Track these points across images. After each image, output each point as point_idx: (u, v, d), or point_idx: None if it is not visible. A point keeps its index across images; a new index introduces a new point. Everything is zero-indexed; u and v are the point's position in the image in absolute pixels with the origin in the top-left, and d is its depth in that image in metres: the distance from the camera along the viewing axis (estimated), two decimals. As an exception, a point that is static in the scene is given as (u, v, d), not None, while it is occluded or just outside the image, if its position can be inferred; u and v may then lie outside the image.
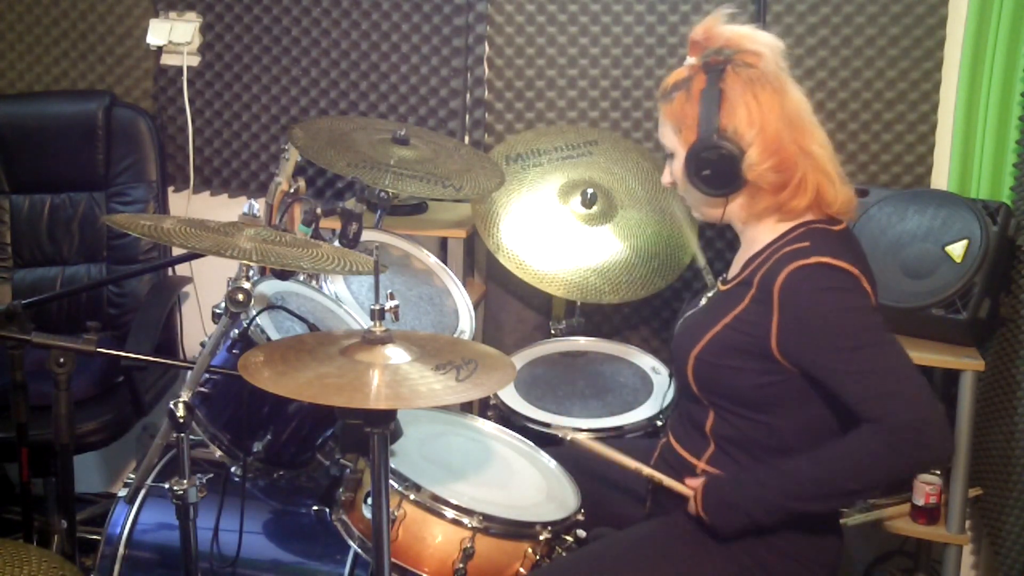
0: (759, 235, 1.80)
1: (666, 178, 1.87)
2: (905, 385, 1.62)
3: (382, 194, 2.38)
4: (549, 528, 1.79)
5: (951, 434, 1.63)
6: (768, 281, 1.69)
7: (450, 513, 1.75)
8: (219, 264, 2.69)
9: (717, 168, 1.74)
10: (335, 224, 2.12)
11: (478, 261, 3.08)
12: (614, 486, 1.99)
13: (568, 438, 1.98)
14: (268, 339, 1.88)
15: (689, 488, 1.79)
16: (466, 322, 2.42)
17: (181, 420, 1.69)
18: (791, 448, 1.74)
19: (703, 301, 1.90)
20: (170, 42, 3.07)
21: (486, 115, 2.97)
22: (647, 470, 1.85)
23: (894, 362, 1.64)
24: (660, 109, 1.83)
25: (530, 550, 1.78)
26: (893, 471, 1.66)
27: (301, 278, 2.19)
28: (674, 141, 1.81)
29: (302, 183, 2.14)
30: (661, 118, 1.83)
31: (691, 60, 1.80)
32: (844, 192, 1.76)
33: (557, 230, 2.65)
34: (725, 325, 1.75)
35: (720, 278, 1.90)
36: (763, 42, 1.75)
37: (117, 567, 2.00)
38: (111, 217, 1.76)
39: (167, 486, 1.73)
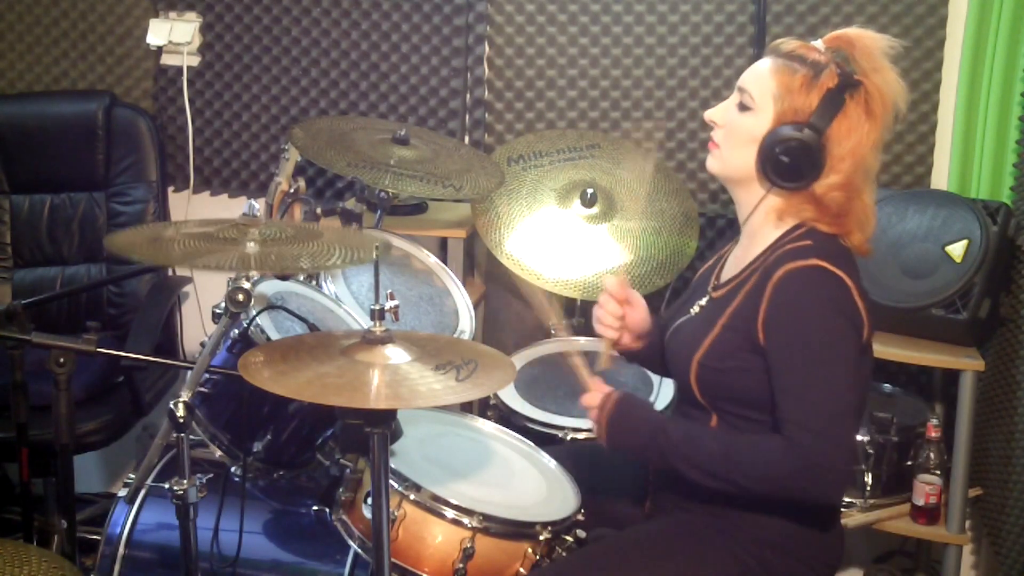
0: (763, 235, 1.78)
1: (716, 114, 1.79)
2: (828, 423, 1.61)
3: (382, 194, 2.38)
4: (549, 528, 1.79)
5: (844, 488, 1.70)
6: (765, 276, 1.69)
7: (450, 513, 1.75)
8: (219, 264, 2.69)
9: (794, 164, 1.69)
10: (335, 224, 2.12)
11: (478, 261, 3.08)
12: (614, 486, 1.99)
13: (568, 437, 1.97)
14: (268, 339, 1.88)
15: (598, 389, 1.80)
16: (466, 322, 2.42)
17: (181, 420, 1.69)
18: None
19: (695, 310, 1.88)
20: (170, 42, 3.07)
21: (486, 115, 2.97)
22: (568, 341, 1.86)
23: (838, 399, 1.63)
24: (771, 61, 1.73)
25: (530, 550, 1.78)
26: (782, 491, 1.66)
27: (301, 278, 2.19)
28: (767, 102, 1.72)
29: (302, 183, 2.14)
30: (767, 70, 1.72)
31: (821, 45, 1.73)
32: (862, 237, 1.74)
33: (557, 230, 2.65)
34: (723, 326, 1.74)
35: (711, 286, 1.88)
36: (900, 93, 1.70)
37: (117, 567, 2.00)
38: (111, 239, 1.76)
39: (167, 486, 1.72)
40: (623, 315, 1.93)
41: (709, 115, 1.81)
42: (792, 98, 1.70)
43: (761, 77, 1.73)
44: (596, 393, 1.81)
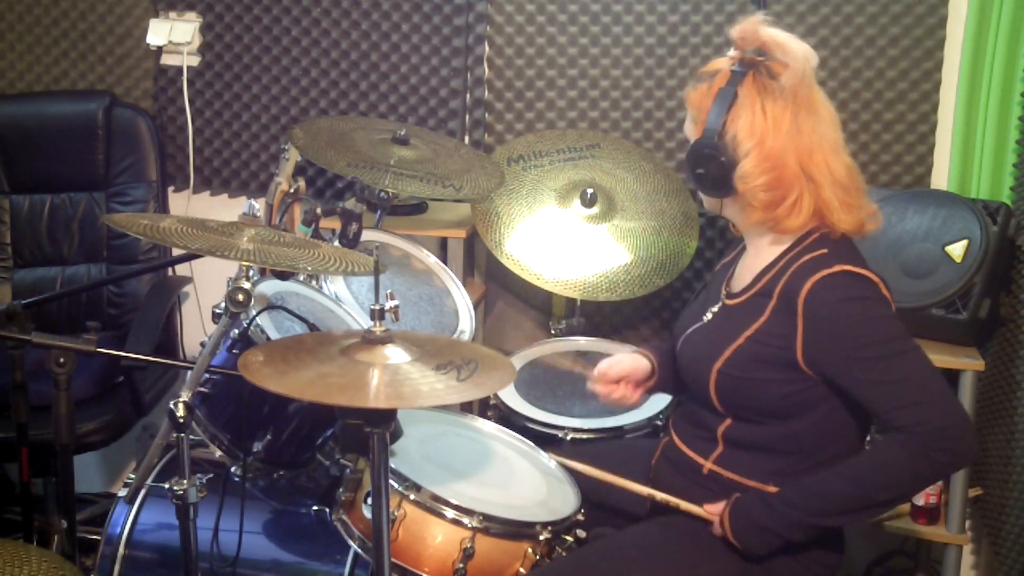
0: (767, 246, 1.79)
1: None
2: (932, 393, 1.63)
3: (382, 194, 2.38)
4: (549, 528, 1.79)
5: (977, 437, 1.67)
6: (791, 292, 1.69)
7: (450, 513, 1.75)
8: (219, 264, 2.69)
9: (710, 170, 1.74)
10: (335, 224, 2.12)
11: (478, 261, 3.08)
12: (614, 486, 1.99)
13: (568, 437, 1.97)
14: (268, 339, 1.88)
15: (710, 513, 1.77)
16: (466, 322, 2.42)
17: (181, 420, 1.69)
18: (806, 451, 1.74)
19: (708, 316, 1.88)
20: (170, 42, 3.07)
21: (486, 115, 2.97)
22: (660, 496, 1.82)
23: (920, 370, 1.65)
24: (686, 93, 1.81)
25: (530, 550, 1.78)
26: (924, 478, 1.69)
27: (301, 278, 2.19)
28: (690, 128, 1.81)
29: (302, 183, 2.14)
30: (686, 102, 1.82)
31: (732, 53, 1.77)
32: (849, 219, 1.73)
33: (557, 230, 2.65)
34: (748, 338, 1.74)
35: (724, 293, 1.88)
36: (793, 54, 1.70)
37: (117, 567, 2.00)
38: (110, 217, 1.76)
39: (167, 486, 1.73)
40: (628, 385, 2.00)
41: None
42: (699, 114, 1.77)
43: (687, 109, 1.82)
44: (715, 523, 1.76)
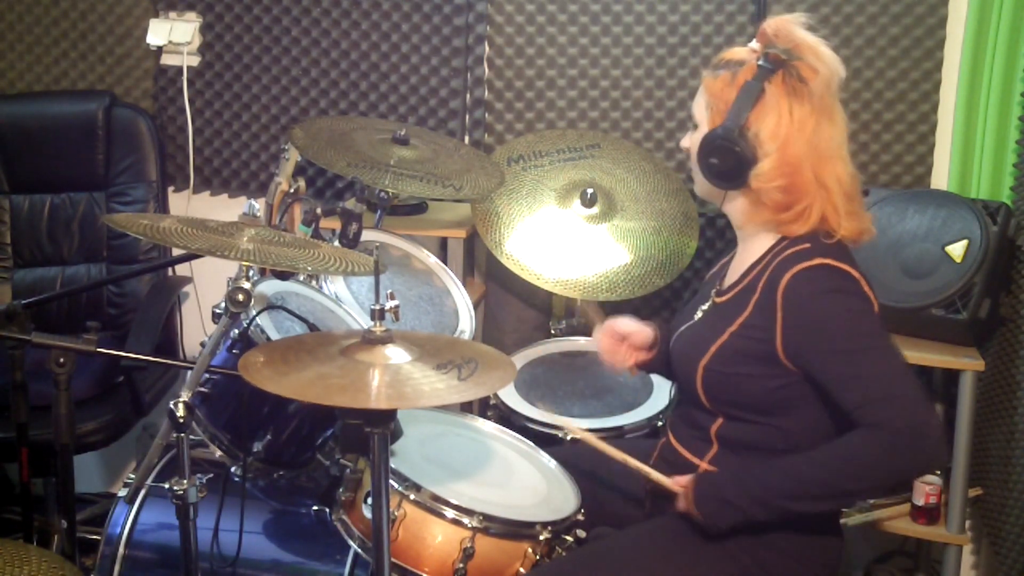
0: (757, 243, 1.80)
1: (684, 143, 1.86)
2: (903, 390, 1.62)
3: (382, 194, 2.38)
4: (549, 528, 1.79)
5: (946, 438, 1.64)
6: (772, 284, 1.70)
7: (450, 513, 1.75)
8: (219, 264, 2.69)
9: (725, 161, 1.73)
10: (335, 224, 2.12)
11: (478, 261, 3.08)
12: (614, 486, 1.99)
13: (568, 437, 1.96)
14: (268, 339, 1.88)
15: (678, 485, 1.77)
16: (466, 322, 2.42)
17: (181, 420, 1.69)
18: (800, 450, 1.73)
19: (698, 315, 1.89)
20: (170, 42, 3.07)
21: (486, 115, 2.97)
22: (637, 464, 1.83)
23: (892, 367, 1.65)
24: (703, 78, 1.80)
25: (530, 550, 1.78)
26: (892, 474, 1.66)
27: (301, 278, 2.19)
28: (703, 115, 1.79)
29: (302, 183, 2.14)
30: (701, 87, 1.80)
31: (754, 45, 1.75)
32: (851, 226, 1.73)
33: (557, 230, 2.65)
34: (732, 333, 1.75)
35: (714, 291, 1.89)
36: (825, 61, 1.70)
37: (117, 567, 2.00)
38: (110, 217, 1.76)
39: (167, 486, 1.73)
40: (629, 348, 2.00)
41: (681, 143, 1.88)
42: (717, 103, 1.75)
43: (698, 95, 1.81)
44: (680, 495, 1.76)
